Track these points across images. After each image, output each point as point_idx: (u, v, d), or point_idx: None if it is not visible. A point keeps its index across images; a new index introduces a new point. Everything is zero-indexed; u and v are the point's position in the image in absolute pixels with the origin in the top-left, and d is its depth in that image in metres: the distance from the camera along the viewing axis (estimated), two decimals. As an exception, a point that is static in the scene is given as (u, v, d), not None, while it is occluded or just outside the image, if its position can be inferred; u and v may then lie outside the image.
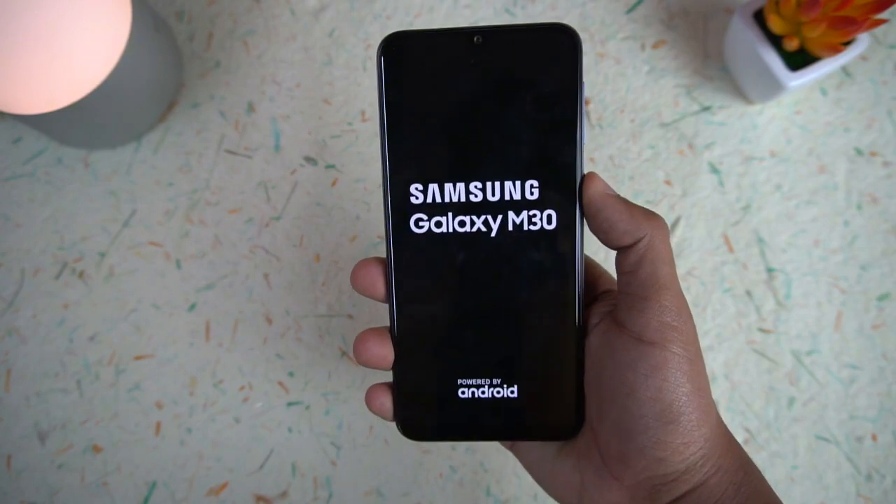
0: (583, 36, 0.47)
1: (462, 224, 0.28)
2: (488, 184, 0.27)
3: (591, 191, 0.27)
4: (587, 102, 0.46)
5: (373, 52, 0.48)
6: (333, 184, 0.46)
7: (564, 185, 0.27)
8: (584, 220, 0.27)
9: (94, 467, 0.44)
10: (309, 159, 0.47)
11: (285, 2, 0.48)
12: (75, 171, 0.47)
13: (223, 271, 0.46)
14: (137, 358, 0.45)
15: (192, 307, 0.45)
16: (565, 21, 0.42)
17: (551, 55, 0.27)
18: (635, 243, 0.26)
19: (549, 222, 0.27)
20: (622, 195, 0.28)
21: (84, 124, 0.43)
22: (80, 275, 0.46)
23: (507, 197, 0.27)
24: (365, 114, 0.47)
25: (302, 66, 0.48)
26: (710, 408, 0.26)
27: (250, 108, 0.47)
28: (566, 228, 0.27)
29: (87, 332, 0.45)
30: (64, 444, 0.44)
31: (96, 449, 0.44)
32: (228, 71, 0.48)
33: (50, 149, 0.47)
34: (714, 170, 0.45)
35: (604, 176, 0.45)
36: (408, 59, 0.27)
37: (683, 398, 0.25)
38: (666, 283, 0.26)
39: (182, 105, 0.48)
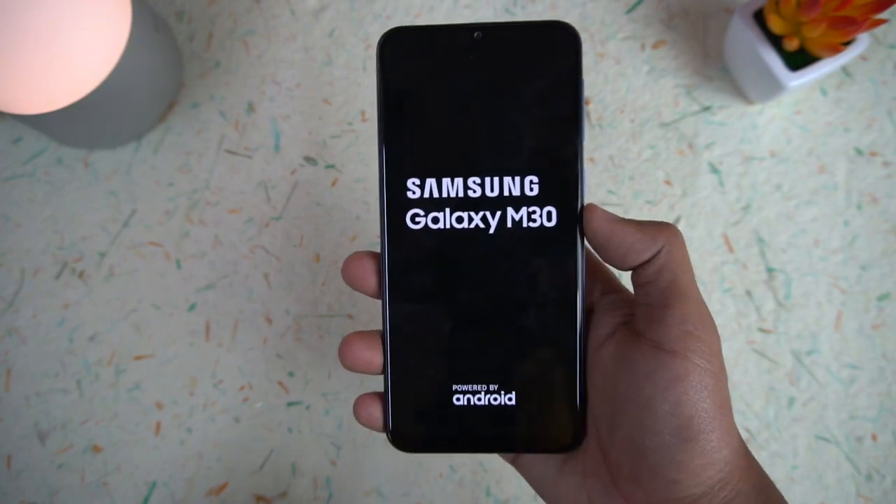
0: (583, 36, 0.47)
1: (460, 220, 0.27)
2: (487, 179, 0.27)
3: (596, 222, 0.26)
4: (587, 102, 0.46)
5: (373, 52, 0.48)
6: (333, 184, 0.46)
7: (565, 181, 0.26)
8: (596, 247, 0.26)
9: (94, 467, 0.44)
10: (309, 159, 0.47)
11: (285, 2, 0.48)
12: (75, 171, 0.47)
13: (223, 271, 0.46)
14: (137, 358, 0.45)
15: (192, 307, 0.45)
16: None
17: (551, 52, 0.26)
18: (653, 257, 0.25)
19: (549, 219, 0.26)
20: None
21: (84, 124, 0.43)
22: (80, 275, 0.46)
23: (506, 193, 0.27)
24: (365, 114, 0.47)
25: (302, 66, 0.48)
26: (732, 428, 0.25)
27: (250, 108, 0.47)
28: (567, 226, 0.26)
29: (87, 332, 0.45)
30: (64, 444, 0.44)
31: (96, 449, 0.44)
32: (228, 71, 0.48)
33: (50, 149, 0.47)
34: (714, 170, 0.45)
35: (604, 176, 0.45)
36: (407, 53, 0.27)
37: (704, 414, 0.24)
38: (687, 291, 0.25)
39: (182, 105, 0.48)
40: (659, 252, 0.25)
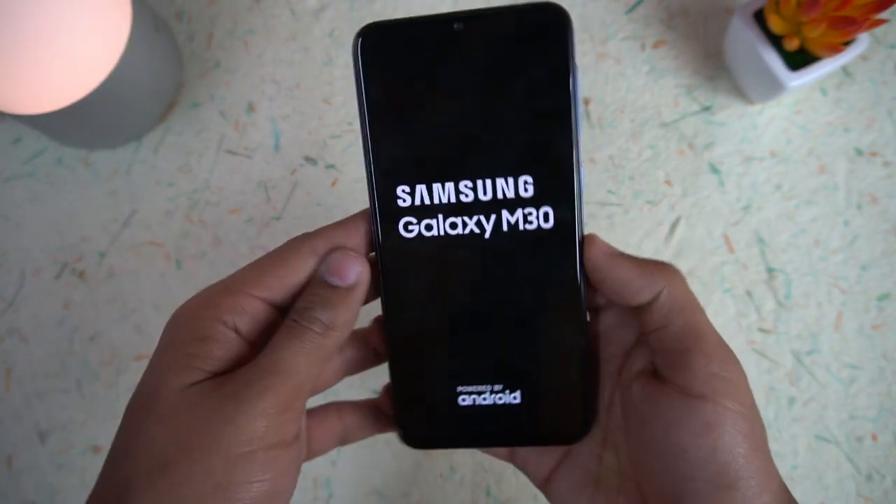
0: (583, 36, 0.47)
1: (454, 226, 0.26)
2: (479, 182, 0.25)
3: (595, 255, 0.25)
4: (587, 102, 0.46)
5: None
6: (333, 184, 0.46)
7: (561, 179, 0.25)
8: (593, 280, 0.26)
9: (95, 468, 0.44)
10: (309, 159, 0.47)
11: (285, 2, 0.48)
12: (75, 171, 0.47)
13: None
14: (138, 358, 0.45)
15: (192, 307, 0.45)
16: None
17: (538, 37, 0.24)
18: (654, 299, 0.24)
19: (546, 220, 0.25)
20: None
21: (84, 124, 0.43)
22: (80, 275, 0.46)
23: (499, 195, 0.25)
24: (365, 114, 0.47)
25: (302, 66, 0.48)
26: (772, 471, 0.24)
27: (250, 108, 0.47)
28: (565, 226, 0.25)
29: (87, 332, 0.45)
30: (64, 445, 0.44)
31: (96, 449, 0.44)
32: (228, 71, 0.48)
33: (50, 149, 0.47)
34: (714, 170, 0.45)
35: (603, 176, 0.45)
36: (386, 51, 0.25)
37: (741, 460, 0.23)
38: (703, 331, 0.24)
39: (182, 105, 0.48)
40: (659, 294, 0.24)
